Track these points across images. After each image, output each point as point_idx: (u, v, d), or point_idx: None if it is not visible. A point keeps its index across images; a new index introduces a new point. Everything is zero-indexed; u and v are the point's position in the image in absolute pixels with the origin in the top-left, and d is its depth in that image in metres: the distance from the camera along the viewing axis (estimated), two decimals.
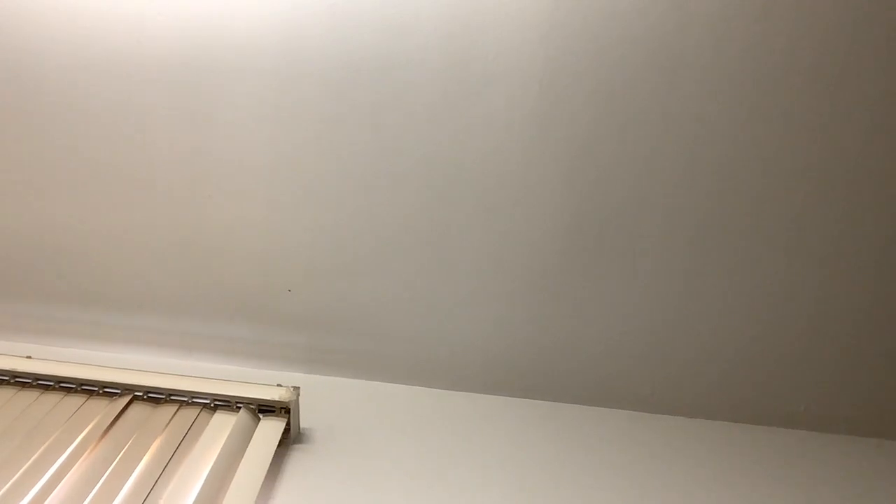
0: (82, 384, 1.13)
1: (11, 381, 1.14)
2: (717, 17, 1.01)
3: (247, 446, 1.03)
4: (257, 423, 1.09)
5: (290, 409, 1.09)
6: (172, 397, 1.12)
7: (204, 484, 0.93)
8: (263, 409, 1.11)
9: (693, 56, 1.03)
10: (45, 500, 0.89)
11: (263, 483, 0.96)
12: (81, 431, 1.03)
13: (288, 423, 1.09)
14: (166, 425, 1.06)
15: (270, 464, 1.00)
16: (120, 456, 0.99)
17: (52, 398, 1.11)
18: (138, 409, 1.10)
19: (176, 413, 1.09)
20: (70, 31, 1.14)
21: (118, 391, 1.13)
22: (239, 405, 1.10)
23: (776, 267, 1.14)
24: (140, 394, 1.12)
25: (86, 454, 0.99)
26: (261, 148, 1.18)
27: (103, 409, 1.09)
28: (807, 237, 1.12)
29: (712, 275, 1.16)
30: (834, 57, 1.00)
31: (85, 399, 1.12)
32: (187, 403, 1.11)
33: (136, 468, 0.96)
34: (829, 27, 0.99)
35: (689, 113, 1.06)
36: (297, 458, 1.08)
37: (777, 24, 1.00)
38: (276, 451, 1.03)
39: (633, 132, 1.08)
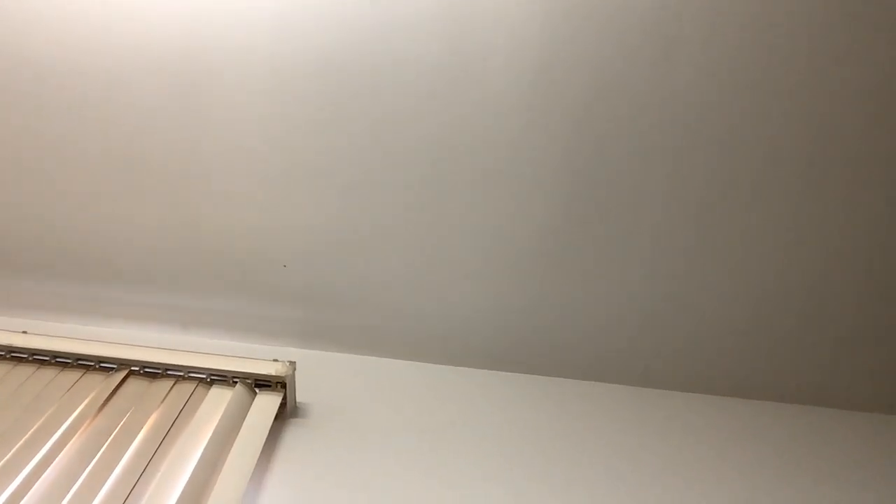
0: (78, 359, 1.13)
1: (7, 356, 1.14)
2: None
3: (243, 421, 1.03)
4: (254, 398, 1.09)
5: (286, 384, 1.09)
6: (169, 372, 1.12)
7: (200, 458, 0.94)
8: (260, 383, 1.11)
9: (691, 34, 1.01)
10: (42, 474, 0.90)
11: (260, 457, 0.97)
12: (78, 406, 1.03)
13: (284, 398, 1.10)
14: (163, 400, 1.06)
15: (267, 438, 1.00)
16: (116, 430, 0.99)
17: (49, 373, 1.11)
18: (135, 384, 1.10)
19: (172, 388, 1.09)
20: (69, 32, 1.12)
21: (114, 366, 1.13)
22: (235, 380, 1.10)
23: (775, 243, 1.14)
24: (136, 368, 1.12)
25: (82, 429, 0.99)
26: (258, 127, 1.16)
27: (100, 384, 1.09)
28: (806, 213, 1.11)
29: (710, 251, 1.16)
30: (835, 33, 0.98)
31: (81, 374, 1.12)
32: (184, 378, 1.12)
33: (132, 442, 0.97)
34: (821, 16, 0.97)
35: (687, 93, 1.04)
36: (294, 433, 1.08)
37: (774, 11, 0.98)
38: (272, 425, 1.03)
39: (631, 110, 1.07)
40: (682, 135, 1.08)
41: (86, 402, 1.04)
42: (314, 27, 1.07)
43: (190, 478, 0.90)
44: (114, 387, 1.08)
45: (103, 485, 0.89)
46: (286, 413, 1.11)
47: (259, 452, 0.97)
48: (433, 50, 1.07)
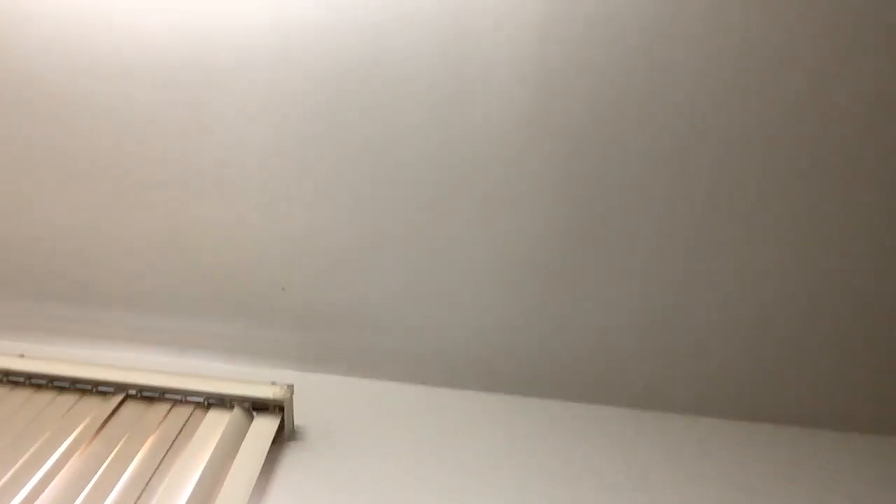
0: (75, 382, 1.13)
1: (4, 380, 1.14)
2: (713, 11, 1.00)
3: (240, 445, 1.03)
4: (251, 422, 1.08)
5: (283, 408, 1.09)
6: (166, 395, 1.12)
7: (197, 482, 0.93)
8: (257, 407, 1.11)
9: (689, 48, 1.03)
10: (38, 498, 0.89)
11: (257, 481, 0.96)
12: (74, 430, 1.03)
13: (282, 422, 1.09)
14: (159, 424, 1.06)
15: (264, 462, 1.00)
16: (113, 454, 0.98)
17: (46, 397, 1.11)
18: (131, 408, 1.10)
19: (169, 411, 1.09)
20: (66, 32, 1.13)
21: (111, 389, 1.12)
22: (233, 403, 1.10)
23: (773, 265, 1.15)
24: (133, 392, 1.12)
25: (78, 452, 0.98)
26: (255, 146, 1.17)
27: (96, 408, 1.09)
28: (805, 232, 1.12)
29: (707, 272, 1.17)
30: (834, 42, 1.00)
31: (78, 398, 1.11)
32: (181, 402, 1.11)
33: (129, 467, 0.96)
34: (823, 18, 0.99)
35: (686, 107, 1.06)
36: (291, 457, 1.08)
37: (774, 14, 0.99)
38: (269, 449, 1.03)
39: (629, 124, 1.08)
40: (679, 152, 1.09)
41: (82, 426, 1.04)
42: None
43: (187, 502, 0.89)
44: (110, 411, 1.08)
45: None
46: (284, 437, 1.11)
47: (256, 476, 0.96)
48: (434, 66, 1.08)
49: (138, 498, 0.91)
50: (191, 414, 1.09)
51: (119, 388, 1.12)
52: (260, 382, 1.12)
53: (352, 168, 1.17)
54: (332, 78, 1.11)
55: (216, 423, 1.07)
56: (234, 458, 1.00)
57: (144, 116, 1.17)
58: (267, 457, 1.01)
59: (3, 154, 1.24)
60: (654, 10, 1.01)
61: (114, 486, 0.92)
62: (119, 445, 1.00)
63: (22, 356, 1.16)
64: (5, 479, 0.92)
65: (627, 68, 1.05)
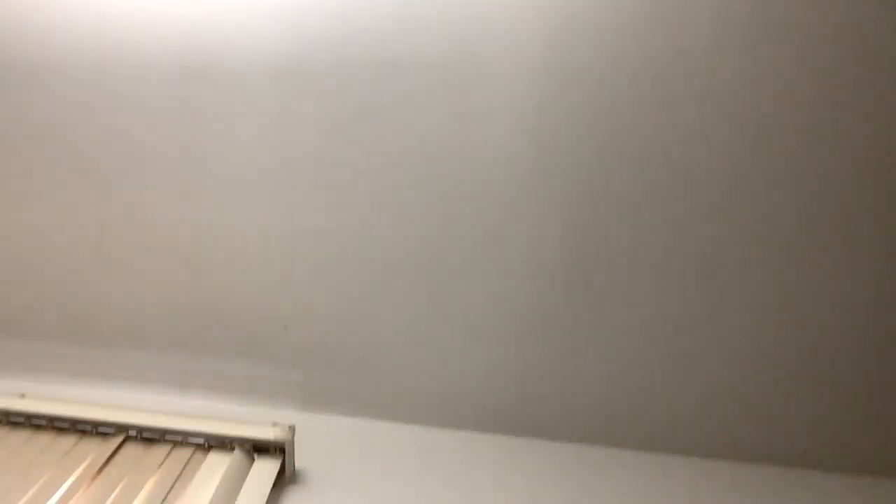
0: (75, 423, 1.12)
1: (4, 420, 1.13)
2: (716, 44, 1.03)
3: (241, 487, 1.02)
4: (252, 463, 1.08)
5: (285, 449, 1.09)
6: (166, 437, 1.11)
7: None
8: (258, 448, 1.10)
9: (692, 94, 1.05)
10: None
11: None
12: (74, 471, 1.02)
13: (283, 464, 1.08)
14: (160, 465, 1.05)
15: None
16: (112, 497, 0.97)
17: (45, 438, 1.10)
18: (131, 449, 1.09)
19: (170, 453, 1.08)
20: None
21: (111, 430, 1.12)
22: (233, 445, 1.09)
23: (777, 310, 1.15)
24: (133, 433, 1.11)
25: (78, 494, 0.97)
26: (257, 172, 1.18)
27: (96, 449, 1.08)
28: (809, 276, 1.12)
29: (715, 314, 1.17)
30: (837, 75, 1.02)
31: (78, 439, 1.11)
32: (181, 443, 1.11)
33: None
34: (829, 54, 1.02)
35: (688, 156, 1.08)
36: (292, 500, 1.06)
37: (779, 43, 1.02)
38: (270, 492, 1.02)
39: (631, 173, 1.10)
40: (682, 198, 1.10)
41: (82, 467, 1.03)
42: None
43: None
44: (110, 452, 1.07)
45: None
46: (285, 479, 1.10)
47: None
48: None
49: None
50: (191, 455, 1.08)
51: (119, 428, 1.11)
52: (261, 423, 1.11)
53: (354, 207, 1.18)
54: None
55: (217, 465, 1.06)
56: (234, 501, 0.99)
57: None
58: (268, 500, 1.00)
59: (3, 172, 1.25)
60: (664, 33, 1.03)
61: None
62: (119, 488, 0.99)
63: (23, 396, 1.16)
64: None
65: (626, 119, 1.07)
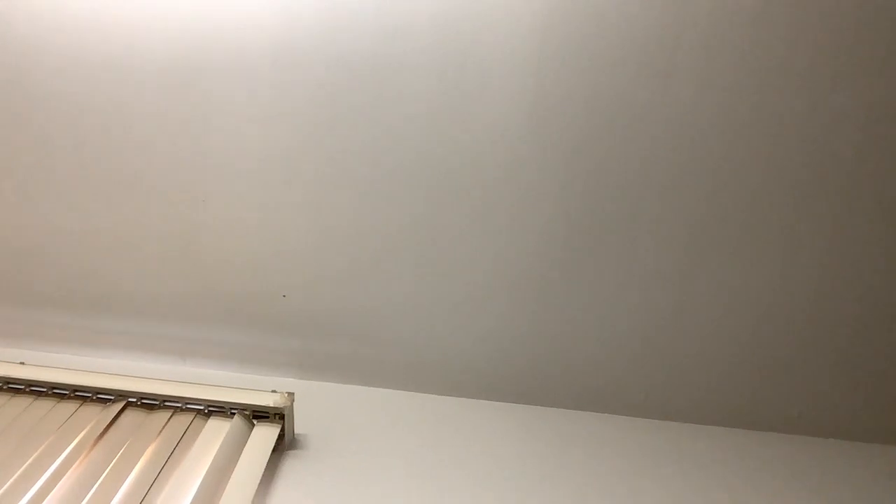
0: (76, 390, 1.13)
1: (4, 387, 1.14)
2: (711, 19, 1.01)
3: (241, 453, 1.03)
4: (251, 430, 1.08)
5: (284, 416, 1.09)
6: (166, 403, 1.12)
7: (198, 491, 0.93)
8: (258, 415, 1.11)
9: (687, 61, 1.04)
10: None
11: (257, 490, 0.96)
12: (75, 438, 1.03)
13: (282, 430, 1.09)
14: (160, 431, 1.06)
15: (265, 470, 1.00)
16: (113, 462, 0.98)
17: (46, 404, 1.11)
18: (132, 416, 1.10)
19: (170, 419, 1.09)
20: (65, 34, 1.14)
21: (112, 397, 1.12)
22: (233, 411, 1.10)
23: (770, 272, 1.15)
24: (134, 400, 1.12)
25: (79, 460, 0.98)
26: (255, 151, 1.18)
27: (97, 416, 1.09)
28: (801, 242, 1.12)
29: (706, 280, 1.17)
30: (830, 55, 1.01)
31: (78, 405, 1.11)
32: (181, 409, 1.11)
33: (129, 475, 0.96)
34: (820, 28, 1.00)
35: (684, 116, 1.07)
36: (292, 465, 1.08)
37: (773, 26, 1.00)
38: (270, 457, 1.03)
39: (627, 136, 1.09)
40: (677, 162, 1.10)
41: (83, 433, 1.04)
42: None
43: None
44: (111, 418, 1.08)
45: None
46: (284, 445, 1.11)
47: (257, 485, 0.96)
48: (431, 85, 1.09)
49: None
50: (191, 422, 1.09)
51: (120, 395, 1.12)
52: (260, 390, 1.12)
53: (350, 177, 1.17)
54: (328, 85, 1.12)
55: (217, 431, 1.07)
56: (234, 466, 0.99)
57: (146, 123, 1.18)
58: (267, 465, 1.01)
59: (4, 160, 1.24)
60: (655, 11, 1.02)
61: (114, 495, 0.92)
62: (119, 453, 1.00)
63: (23, 363, 1.16)
64: (6, 486, 0.92)
65: (625, 73, 1.06)
